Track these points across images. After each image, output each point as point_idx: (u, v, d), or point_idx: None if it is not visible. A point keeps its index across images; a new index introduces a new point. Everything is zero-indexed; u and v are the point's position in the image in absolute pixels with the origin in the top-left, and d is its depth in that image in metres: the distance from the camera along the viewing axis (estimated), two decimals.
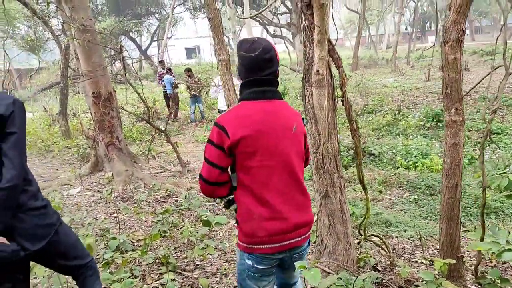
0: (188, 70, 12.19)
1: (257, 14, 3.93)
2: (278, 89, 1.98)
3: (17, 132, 1.86)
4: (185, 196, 5.19)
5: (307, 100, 3.21)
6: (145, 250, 3.59)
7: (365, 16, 25.96)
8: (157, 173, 6.96)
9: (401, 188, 5.79)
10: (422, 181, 5.74)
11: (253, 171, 1.84)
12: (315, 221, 3.36)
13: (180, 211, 4.88)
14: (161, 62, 13.72)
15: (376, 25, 44.78)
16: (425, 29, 51.53)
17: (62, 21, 6.27)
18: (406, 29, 44.69)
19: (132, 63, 6.12)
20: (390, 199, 5.53)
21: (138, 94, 5.91)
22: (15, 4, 16.13)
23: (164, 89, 12.72)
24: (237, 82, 10.67)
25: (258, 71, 1.86)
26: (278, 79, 1.99)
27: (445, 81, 2.60)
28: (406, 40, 38.90)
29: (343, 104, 3.19)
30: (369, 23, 36.82)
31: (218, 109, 9.11)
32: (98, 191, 5.99)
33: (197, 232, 3.98)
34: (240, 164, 1.86)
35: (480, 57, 23.07)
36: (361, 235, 3.57)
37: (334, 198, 3.25)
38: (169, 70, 12.86)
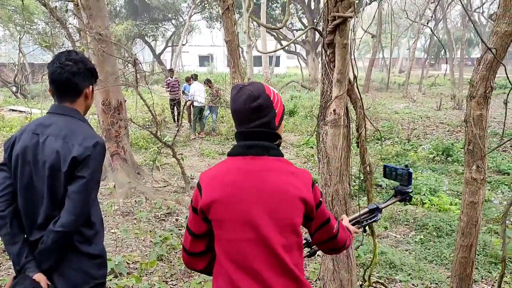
0: (209, 81, 12.18)
1: (286, 45, 3.85)
2: (277, 141, 1.63)
3: (86, 178, 1.79)
4: (186, 216, 5.07)
5: (321, 139, 3.10)
6: (140, 276, 3.47)
7: (380, 39, 25.94)
8: (160, 187, 6.85)
9: (407, 226, 5.63)
10: (430, 220, 5.59)
11: (224, 244, 1.52)
12: (320, 264, 3.23)
13: (180, 232, 4.75)
14: (171, 71, 13.64)
15: (390, 48, 44.82)
16: (440, 56, 51.51)
17: (78, 27, 6.23)
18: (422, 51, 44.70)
19: (145, 74, 6.04)
20: (395, 236, 5.38)
21: (148, 107, 5.83)
22: None
23: (174, 96, 12.69)
24: None
25: (244, 122, 1.57)
26: (280, 128, 1.67)
27: (468, 136, 2.49)
28: (419, 66, 38.86)
29: (357, 146, 3.08)
30: (384, 46, 36.82)
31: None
32: (99, 202, 5.89)
33: None
34: (215, 234, 1.55)
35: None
36: (365, 281, 3.43)
37: None
38: (192, 78, 12.54)
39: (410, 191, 2.16)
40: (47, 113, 1.95)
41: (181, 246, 1.68)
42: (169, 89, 13.07)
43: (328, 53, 2.97)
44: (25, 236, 1.90)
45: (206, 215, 1.52)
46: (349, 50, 2.83)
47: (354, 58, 3.00)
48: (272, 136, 1.61)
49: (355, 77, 2.81)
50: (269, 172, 1.54)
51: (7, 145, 1.92)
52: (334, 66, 2.88)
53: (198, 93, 11.43)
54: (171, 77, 13.09)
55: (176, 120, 13.19)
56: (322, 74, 3.13)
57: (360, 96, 3.00)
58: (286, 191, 1.51)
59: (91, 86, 1.98)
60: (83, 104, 1.98)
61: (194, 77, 12.41)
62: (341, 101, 2.92)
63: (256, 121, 1.56)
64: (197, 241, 1.59)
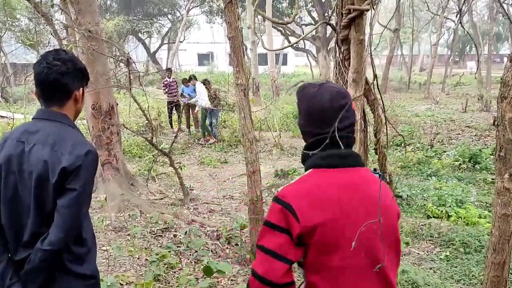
0: (207, 82, 12.29)
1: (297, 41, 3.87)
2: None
3: (77, 190, 1.79)
4: (185, 232, 5.08)
5: None
6: None
7: (398, 34, 25.99)
8: (156, 199, 6.87)
9: (431, 242, 5.60)
10: (456, 235, 5.55)
11: (334, 273, 1.44)
12: None
13: (178, 250, 4.76)
14: (169, 70, 13.71)
15: (410, 44, 44.83)
16: (464, 53, 51.44)
17: (65, 24, 6.29)
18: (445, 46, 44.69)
19: (139, 75, 6.09)
20: (418, 253, 5.35)
21: (143, 111, 5.86)
22: None
23: (172, 98, 12.74)
24: None
25: (330, 122, 1.50)
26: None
27: (499, 141, 2.48)
28: (442, 63, 38.83)
29: (376, 153, 3.08)
30: (403, 42, 36.85)
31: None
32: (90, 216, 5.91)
33: (197, 280, 3.86)
34: (312, 261, 1.46)
35: None
36: None
37: None
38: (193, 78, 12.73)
39: None
40: (32, 118, 1.95)
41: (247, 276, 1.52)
42: (166, 91, 13.13)
43: (342, 50, 2.99)
44: (9, 255, 1.90)
45: (304, 240, 1.44)
46: (365, 47, 2.84)
47: (372, 55, 3.01)
48: (354, 141, 1.62)
49: (375, 76, 2.81)
50: (370, 185, 1.53)
51: None
52: (349, 65, 2.90)
53: (203, 95, 11.57)
54: (169, 78, 13.15)
55: (173, 125, 13.25)
56: (335, 74, 3.14)
57: (381, 97, 2.99)
58: (389, 206, 1.55)
59: (81, 88, 1.97)
60: (73, 108, 1.97)
61: (193, 77, 12.49)
62: (357, 103, 2.92)
63: (346, 121, 1.53)
64: (290, 270, 1.44)
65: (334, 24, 3.00)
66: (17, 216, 1.86)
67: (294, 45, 33.27)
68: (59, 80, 1.87)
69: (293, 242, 1.43)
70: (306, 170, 1.58)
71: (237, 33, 4.35)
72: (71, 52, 2.14)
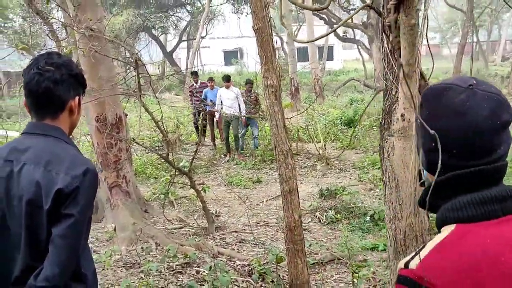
0: (251, 82, 12.51)
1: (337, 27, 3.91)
2: None
3: (75, 216, 1.85)
4: (210, 267, 5.14)
5: (385, 155, 3.12)
6: None
7: (472, 16, 25.56)
8: (175, 228, 6.99)
9: None
10: None
11: None
12: None
13: None
14: (194, 74, 14.01)
15: (488, 28, 43.92)
16: None
17: (63, 22, 6.53)
18: None
19: (150, 80, 6.24)
20: None
21: (156, 122, 6.00)
22: None
23: (196, 107, 12.91)
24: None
25: (489, 152, 1.20)
26: None
27: None
28: None
29: None
30: (478, 26, 36.20)
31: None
32: (95, 250, 6.07)
33: None
34: None
35: None
36: None
37: None
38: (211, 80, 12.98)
39: None
40: (22, 133, 2.04)
41: None
42: (192, 98, 13.39)
43: (390, 39, 3.00)
44: None
45: None
46: (419, 33, 2.85)
47: (428, 43, 3.01)
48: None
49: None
50: None
51: None
52: (400, 56, 2.91)
53: (227, 101, 11.73)
54: (196, 82, 13.47)
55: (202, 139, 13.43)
56: (384, 68, 3.16)
57: None
58: None
59: (77, 98, 2.06)
60: (67, 121, 2.05)
61: (211, 80, 12.79)
62: (411, 102, 2.93)
63: (505, 146, 1.22)
64: None
65: (380, 8, 3.02)
66: (6, 249, 1.93)
67: (342, 35, 33.21)
68: (52, 89, 1.94)
69: None
70: (440, 226, 1.28)
71: (265, 24, 4.42)
72: (69, 56, 2.23)
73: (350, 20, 30.91)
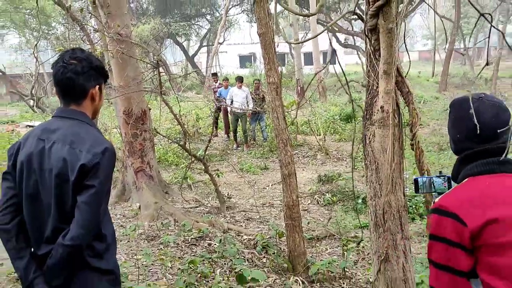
0: (258, 81, 12.70)
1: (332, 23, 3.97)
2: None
3: (96, 187, 1.95)
4: (220, 240, 5.23)
5: (367, 142, 3.17)
6: None
7: (459, 24, 25.32)
8: (191, 208, 7.08)
9: None
10: None
11: (507, 272, 1.47)
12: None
13: (212, 258, 4.90)
14: (214, 75, 14.19)
15: (475, 35, 43.38)
16: None
17: (96, 28, 6.63)
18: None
19: (170, 78, 6.33)
20: None
21: (174, 115, 6.09)
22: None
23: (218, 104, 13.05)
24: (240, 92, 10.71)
25: (493, 139, 1.65)
26: None
27: None
28: None
29: (412, 149, 3.11)
30: (465, 34, 35.83)
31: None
32: (122, 225, 6.18)
33: None
34: (484, 263, 1.51)
35: None
36: None
37: (395, 264, 3.14)
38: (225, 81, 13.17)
39: None
40: (52, 116, 2.15)
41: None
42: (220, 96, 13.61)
43: (372, 41, 3.06)
44: (32, 250, 2.09)
45: (475, 243, 1.50)
46: (396, 36, 2.90)
47: (405, 44, 3.06)
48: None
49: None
50: None
51: (10, 152, 2.11)
52: (380, 56, 2.96)
53: (237, 98, 11.82)
54: (215, 82, 13.80)
55: (215, 130, 13.54)
56: (367, 66, 3.20)
57: (409, 89, 3.04)
58: None
59: (97, 86, 2.13)
60: (90, 106, 2.15)
61: (225, 80, 13.01)
62: (389, 96, 2.98)
63: (503, 137, 1.66)
64: (467, 282, 1.55)
65: (363, 14, 3.07)
66: (39, 212, 2.03)
67: (343, 41, 33.07)
68: (74, 79, 2.04)
69: (465, 252, 1.51)
70: (459, 181, 1.70)
71: (268, 29, 4.49)
72: (91, 52, 2.32)
73: (350, 28, 30.79)
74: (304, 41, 4.14)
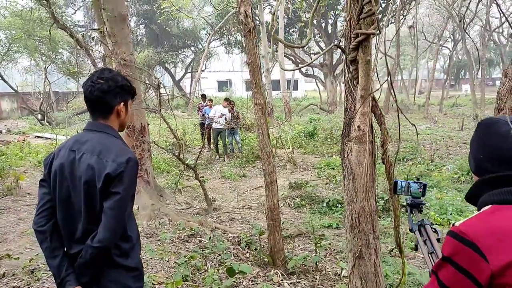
0: (230, 100, 12.32)
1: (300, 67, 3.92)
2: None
3: (120, 194, 1.83)
4: (209, 237, 5.08)
5: (345, 155, 3.11)
6: None
7: (398, 60, 25.92)
8: (183, 209, 6.89)
9: None
10: None
11: None
12: (347, 284, 3.18)
13: (203, 253, 4.75)
14: (203, 96, 14.03)
15: (409, 70, 44.60)
16: (459, 77, 51.03)
17: (104, 54, 6.44)
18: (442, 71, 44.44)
19: (168, 98, 6.18)
20: (423, 257, 5.25)
21: (172, 130, 5.94)
22: (59, 29, 16.91)
23: (202, 120, 12.89)
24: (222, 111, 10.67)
25: None
26: None
27: None
28: (439, 86, 38.55)
29: (383, 162, 3.07)
30: (402, 68, 36.74)
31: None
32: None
33: (221, 280, 3.85)
34: None
35: None
36: None
37: (368, 260, 3.07)
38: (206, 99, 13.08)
39: (424, 203, 2.08)
40: (83, 129, 2.02)
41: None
42: (200, 113, 13.48)
43: (351, 70, 3.01)
44: (65, 249, 1.97)
45: (491, 282, 1.19)
46: (372, 67, 2.86)
47: (377, 74, 3.02)
48: None
49: (390, 87, 2.81)
50: None
51: (46, 161, 1.99)
52: (358, 83, 2.91)
53: (223, 111, 11.76)
54: (204, 101, 13.58)
55: (207, 145, 13.31)
56: (345, 91, 3.15)
57: (381, 112, 3.00)
58: None
59: (122, 103, 2.01)
60: (116, 121, 2.03)
61: (210, 100, 12.86)
62: (366, 117, 2.93)
63: None
64: None
65: (344, 47, 3.03)
66: (70, 216, 1.92)
67: (305, 71, 33.44)
68: (101, 97, 1.94)
69: (475, 286, 1.20)
70: (480, 207, 1.36)
71: (255, 59, 4.41)
72: (118, 70, 2.19)
73: (310, 60, 31.14)
74: (299, 68, 4.08)
